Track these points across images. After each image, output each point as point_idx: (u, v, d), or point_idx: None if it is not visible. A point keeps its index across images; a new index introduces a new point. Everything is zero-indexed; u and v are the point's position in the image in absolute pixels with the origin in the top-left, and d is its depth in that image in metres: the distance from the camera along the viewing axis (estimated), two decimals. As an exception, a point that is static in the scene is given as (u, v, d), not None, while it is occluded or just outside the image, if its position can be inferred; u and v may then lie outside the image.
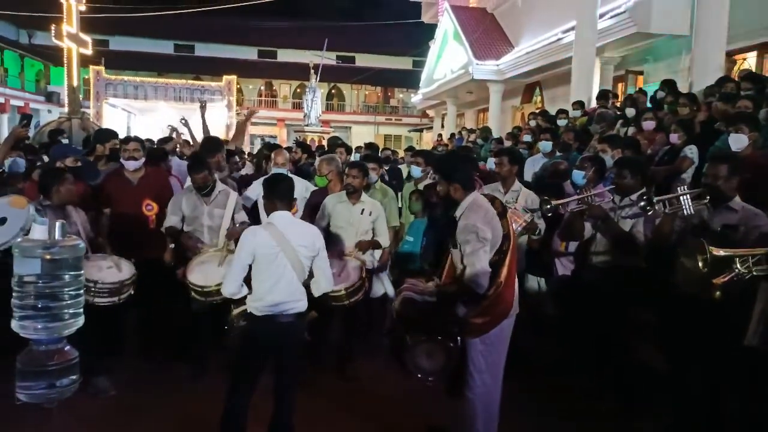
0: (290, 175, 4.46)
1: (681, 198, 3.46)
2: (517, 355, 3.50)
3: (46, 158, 6.21)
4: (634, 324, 4.21)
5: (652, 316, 4.26)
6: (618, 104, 9.61)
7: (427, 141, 30.03)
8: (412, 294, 3.38)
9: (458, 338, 3.27)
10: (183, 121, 6.78)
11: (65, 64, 16.62)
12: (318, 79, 20.76)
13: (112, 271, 4.03)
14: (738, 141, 4.54)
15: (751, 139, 4.55)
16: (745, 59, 10.84)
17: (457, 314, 3.26)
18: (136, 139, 5.16)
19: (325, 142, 13.21)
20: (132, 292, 4.12)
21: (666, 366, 3.88)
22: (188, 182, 4.88)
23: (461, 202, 3.26)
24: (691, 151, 5.28)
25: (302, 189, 5.24)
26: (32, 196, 4.17)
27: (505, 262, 3.20)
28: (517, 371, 3.62)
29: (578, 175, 4.69)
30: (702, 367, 3.42)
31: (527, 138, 8.38)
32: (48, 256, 2.68)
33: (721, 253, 2.96)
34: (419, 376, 3.35)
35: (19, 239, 2.89)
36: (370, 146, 8.71)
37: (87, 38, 17.20)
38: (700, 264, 2.98)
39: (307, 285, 3.39)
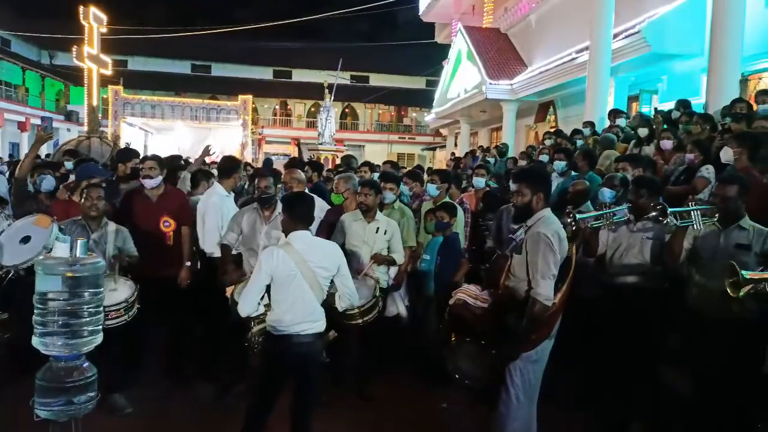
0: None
1: (692, 213, 3.47)
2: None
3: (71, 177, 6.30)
4: (658, 346, 4.15)
5: (675, 337, 4.21)
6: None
7: (440, 159, 30.06)
8: (466, 296, 3.39)
9: (501, 348, 3.26)
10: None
11: (85, 84, 17.00)
12: (332, 98, 20.96)
13: (113, 293, 3.89)
14: (725, 154, 4.89)
15: (736, 154, 4.82)
16: (761, 78, 10.79)
17: (515, 325, 3.24)
18: (154, 157, 5.23)
19: (338, 161, 13.31)
20: (137, 309, 4.01)
21: (690, 391, 3.83)
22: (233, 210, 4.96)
23: (537, 212, 3.29)
24: (708, 171, 5.25)
25: (317, 209, 5.28)
26: (58, 214, 4.25)
27: (563, 287, 3.21)
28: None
29: (608, 194, 4.66)
30: (726, 392, 3.38)
31: (544, 158, 8.37)
32: (69, 274, 2.72)
33: (756, 276, 2.94)
34: (456, 376, 3.38)
35: (41, 257, 2.93)
36: (393, 165, 8.70)
37: (107, 59, 17.57)
38: (729, 289, 2.95)
39: (325, 304, 3.40)
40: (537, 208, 3.30)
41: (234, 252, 4.70)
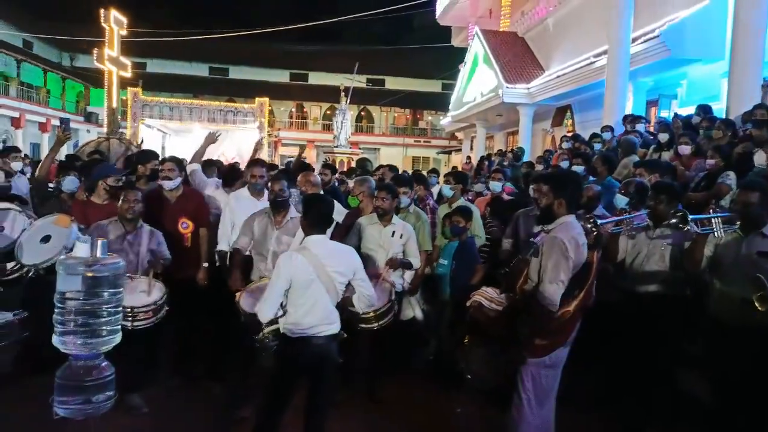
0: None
1: (713, 221, 3.43)
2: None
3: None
4: (678, 352, 4.10)
5: (696, 344, 4.16)
6: (650, 129, 9.50)
7: (455, 163, 30.03)
8: (481, 299, 3.39)
9: (513, 352, 3.26)
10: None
11: (105, 86, 17.21)
12: (348, 101, 21.02)
13: (143, 295, 4.01)
14: (760, 158, 4.80)
15: None
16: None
17: (520, 329, 3.24)
18: (172, 159, 5.26)
19: (354, 164, 13.32)
20: (165, 311, 4.10)
21: (710, 397, 3.78)
22: (237, 209, 4.95)
23: (559, 217, 3.28)
24: (729, 178, 5.18)
25: (336, 213, 5.29)
26: (76, 214, 4.30)
27: (581, 294, 3.18)
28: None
29: (621, 201, 4.61)
30: (746, 399, 3.33)
31: (564, 163, 8.31)
32: (89, 274, 2.76)
33: None
34: (468, 377, 3.39)
35: (62, 257, 2.97)
36: (392, 169, 8.56)
37: (127, 61, 17.78)
38: (758, 303, 2.91)
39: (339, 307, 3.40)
40: (558, 212, 3.28)
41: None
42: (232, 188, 5.54)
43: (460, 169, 12.18)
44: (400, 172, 7.42)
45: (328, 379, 3.38)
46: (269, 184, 4.92)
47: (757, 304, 2.90)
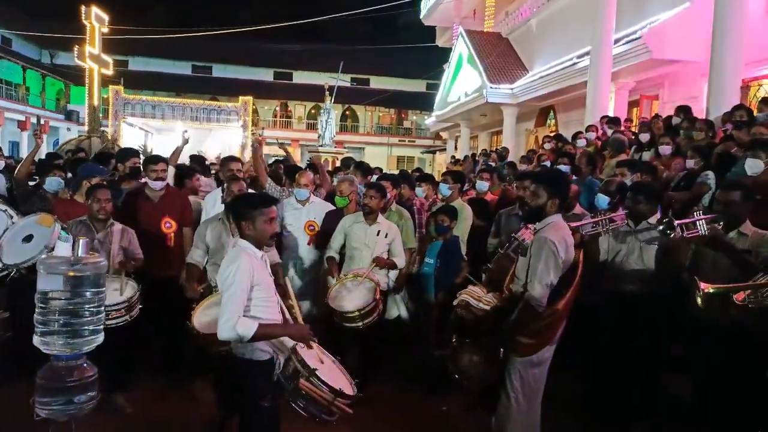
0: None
1: (697, 223, 3.48)
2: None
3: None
4: (659, 352, 4.15)
5: (677, 343, 4.21)
6: (633, 129, 9.60)
7: (440, 163, 30.10)
8: (469, 298, 3.40)
9: (501, 351, 3.27)
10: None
11: (86, 84, 16.98)
12: (333, 100, 20.96)
13: (116, 293, 3.90)
14: (754, 166, 4.62)
15: None
16: (761, 85, 10.82)
17: (506, 328, 3.25)
18: (164, 159, 5.20)
19: (339, 163, 13.31)
20: (138, 309, 3.98)
21: (691, 395, 3.84)
22: (214, 211, 4.84)
23: (548, 217, 3.29)
24: (709, 178, 5.26)
25: (319, 211, 5.31)
26: (59, 213, 4.24)
27: (567, 293, 3.20)
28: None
29: (603, 200, 4.62)
30: (728, 398, 3.39)
31: (547, 162, 8.38)
32: (71, 273, 2.72)
33: (710, 290, 3.00)
34: (456, 377, 3.39)
35: (43, 256, 2.93)
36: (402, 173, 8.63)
37: (108, 59, 17.57)
38: (699, 301, 3.01)
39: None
40: (549, 212, 3.31)
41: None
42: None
43: (446, 169, 12.22)
44: (384, 172, 7.50)
45: None
46: (225, 184, 4.71)
47: (698, 301, 3.01)
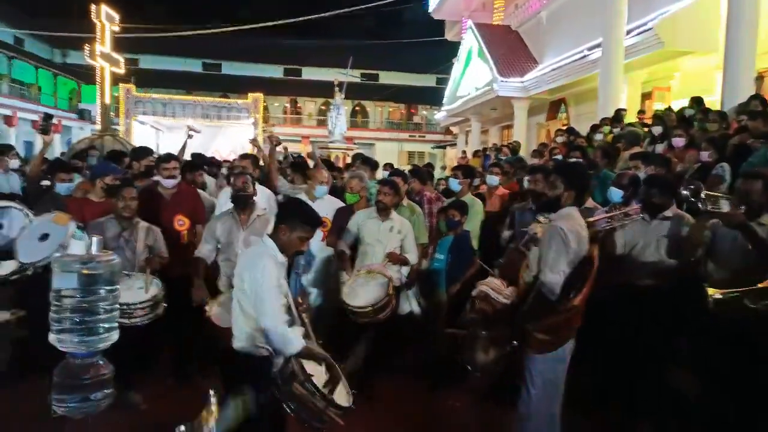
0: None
1: (721, 201, 3.43)
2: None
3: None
4: (673, 343, 4.11)
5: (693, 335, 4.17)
6: (646, 121, 9.51)
7: (451, 157, 30.00)
8: (488, 289, 3.38)
9: (515, 345, 3.24)
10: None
11: (98, 83, 17.11)
12: (342, 96, 20.96)
13: (141, 292, 3.97)
14: None
15: None
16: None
17: (519, 317, 3.22)
18: (176, 157, 5.22)
19: (349, 159, 13.32)
20: (163, 308, 4.06)
21: (700, 392, 3.80)
22: (225, 207, 4.85)
23: (564, 208, 3.28)
24: (723, 169, 5.20)
25: (330, 208, 5.30)
26: (72, 211, 4.27)
27: (583, 288, 3.15)
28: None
29: (616, 194, 4.57)
30: (741, 392, 3.35)
31: (559, 156, 8.33)
32: (85, 271, 2.73)
33: (718, 296, 2.99)
34: (469, 368, 3.38)
35: (57, 254, 2.95)
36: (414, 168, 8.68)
37: (119, 57, 17.67)
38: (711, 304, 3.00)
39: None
40: (565, 204, 3.29)
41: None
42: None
43: (456, 163, 12.20)
44: (394, 167, 7.50)
45: None
46: (231, 178, 4.73)
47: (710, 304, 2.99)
